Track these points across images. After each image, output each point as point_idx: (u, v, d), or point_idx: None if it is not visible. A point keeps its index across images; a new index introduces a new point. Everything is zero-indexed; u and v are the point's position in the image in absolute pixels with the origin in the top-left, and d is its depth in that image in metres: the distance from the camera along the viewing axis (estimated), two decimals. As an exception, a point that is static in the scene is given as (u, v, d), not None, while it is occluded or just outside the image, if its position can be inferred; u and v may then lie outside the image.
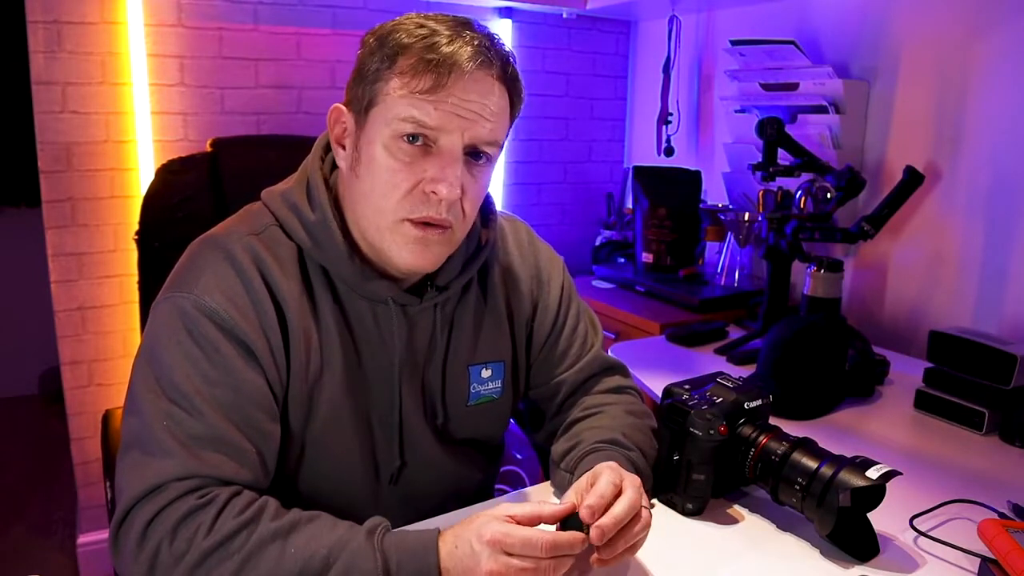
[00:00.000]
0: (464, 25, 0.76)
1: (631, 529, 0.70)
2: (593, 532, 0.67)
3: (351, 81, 0.80)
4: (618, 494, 0.70)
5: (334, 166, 0.86)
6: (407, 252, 0.79)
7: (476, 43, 0.74)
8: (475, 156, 0.78)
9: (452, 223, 0.79)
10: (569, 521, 0.68)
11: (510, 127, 0.82)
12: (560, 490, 0.90)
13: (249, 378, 0.75)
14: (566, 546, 0.65)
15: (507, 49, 0.79)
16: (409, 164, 0.75)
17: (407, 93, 0.74)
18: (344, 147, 0.81)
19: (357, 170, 0.79)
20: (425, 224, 0.77)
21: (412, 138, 0.75)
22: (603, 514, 0.68)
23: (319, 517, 0.70)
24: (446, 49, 0.73)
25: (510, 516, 0.67)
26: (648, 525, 0.72)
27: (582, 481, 0.73)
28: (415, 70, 0.73)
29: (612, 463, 0.75)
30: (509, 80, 0.78)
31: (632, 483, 0.72)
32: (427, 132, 0.75)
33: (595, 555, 0.69)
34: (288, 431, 0.82)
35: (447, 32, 0.74)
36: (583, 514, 0.67)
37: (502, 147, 0.81)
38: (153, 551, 0.66)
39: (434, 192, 0.75)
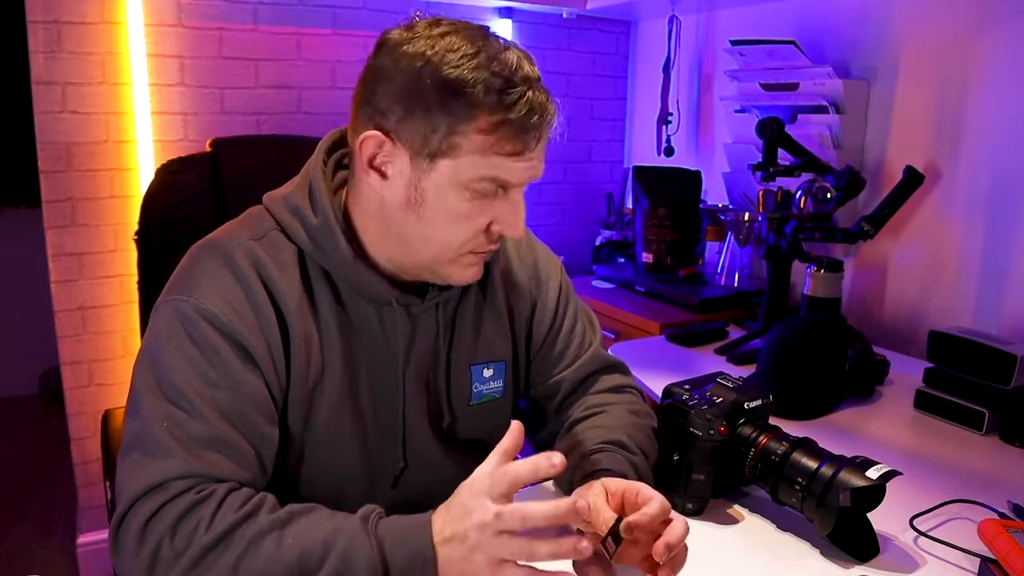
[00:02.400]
0: (524, 65, 0.75)
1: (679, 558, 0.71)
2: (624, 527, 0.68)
3: (395, 109, 0.74)
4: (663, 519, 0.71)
5: (336, 169, 0.86)
6: (468, 273, 0.83)
7: (553, 107, 0.76)
8: None
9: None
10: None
11: None
12: (560, 488, 0.90)
13: (248, 381, 0.76)
14: (542, 469, 0.66)
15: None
16: (481, 211, 0.78)
17: (492, 155, 0.74)
18: (383, 175, 0.78)
19: (420, 212, 0.78)
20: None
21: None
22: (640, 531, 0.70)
23: (316, 509, 0.71)
24: (533, 118, 0.74)
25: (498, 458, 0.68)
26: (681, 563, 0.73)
27: (612, 485, 0.76)
28: (500, 133, 0.73)
29: (649, 488, 0.75)
30: None
31: (679, 516, 0.73)
32: (502, 184, 0.77)
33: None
34: (288, 433, 0.82)
35: (520, 84, 0.73)
36: (623, 528, 0.68)
37: None
38: (154, 548, 0.66)
39: (503, 234, 0.80)
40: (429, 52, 0.74)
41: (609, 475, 0.81)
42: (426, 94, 0.73)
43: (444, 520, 0.67)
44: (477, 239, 0.79)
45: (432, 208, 0.77)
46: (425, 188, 0.77)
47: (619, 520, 0.69)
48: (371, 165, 0.79)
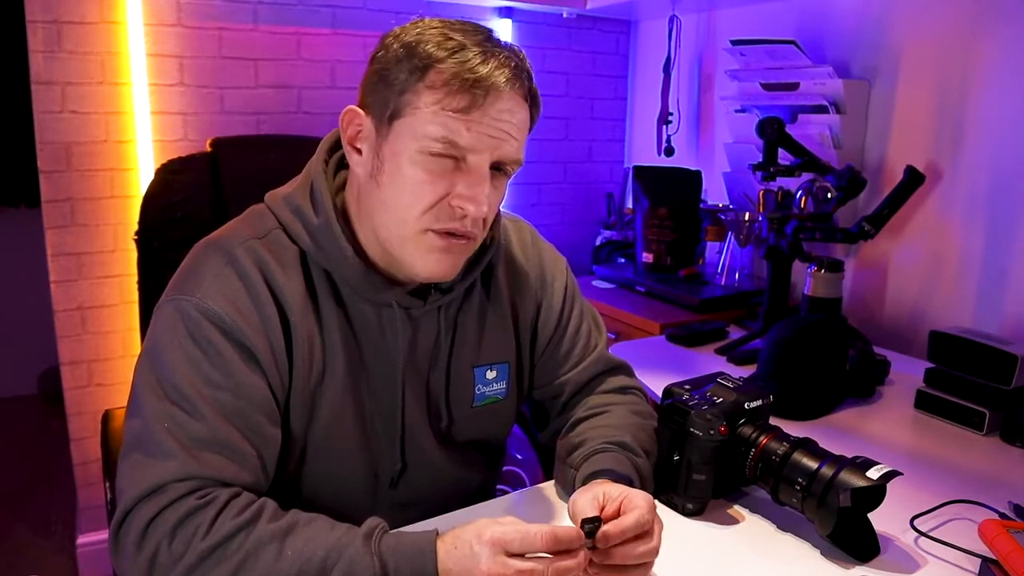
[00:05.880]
0: (489, 40, 0.76)
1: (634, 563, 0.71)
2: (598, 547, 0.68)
3: (371, 85, 0.78)
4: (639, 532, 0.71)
5: (337, 169, 0.86)
6: (430, 261, 0.79)
7: (512, 64, 0.75)
8: (498, 171, 0.79)
9: (476, 234, 0.80)
10: (585, 524, 0.69)
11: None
12: (564, 487, 0.90)
13: (251, 381, 0.76)
14: (565, 540, 0.65)
15: (529, 64, 0.79)
16: (437, 178, 0.75)
17: (439, 110, 0.73)
18: (360, 151, 0.80)
19: (379, 179, 0.78)
20: (449, 234, 0.78)
21: (442, 154, 0.75)
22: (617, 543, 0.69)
23: (317, 519, 0.70)
24: (482, 69, 0.73)
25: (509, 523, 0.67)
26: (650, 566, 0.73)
27: (612, 491, 0.75)
28: (449, 87, 0.73)
29: (649, 496, 0.75)
30: (531, 96, 0.80)
31: (659, 526, 0.73)
32: (459, 151, 0.75)
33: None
34: (290, 433, 0.82)
35: (477, 48, 0.74)
36: (598, 538, 0.68)
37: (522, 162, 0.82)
38: (152, 552, 0.66)
39: (461, 208, 0.76)
40: (407, 30, 0.77)
41: (612, 475, 0.81)
42: (391, 60, 0.76)
43: (452, 557, 0.66)
44: (435, 212, 0.76)
45: (390, 174, 0.77)
46: (385, 154, 0.77)
47: (594, 519, 0.69)
48: (351, 144, 0.81)
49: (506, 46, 0.77)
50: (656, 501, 0.90)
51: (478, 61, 0.73)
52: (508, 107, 0.75)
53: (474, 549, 0.65)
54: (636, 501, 0.73)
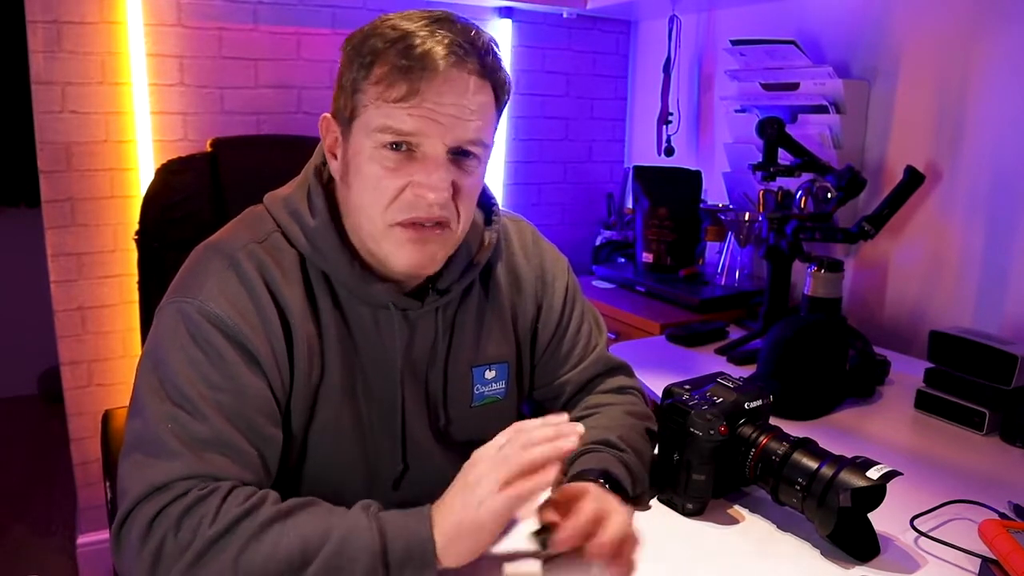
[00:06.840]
0: (439, 22, 0.75)
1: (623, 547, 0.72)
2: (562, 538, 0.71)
3: (335, 91, 0.80)
4: (595, 521, 0.72)
5: None
6: (404, 254, 0.79)
7: (447, 40, 0.73)
8: (463, 155, 0.78)
9: (448, 219, 0.78)
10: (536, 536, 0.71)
11: (498, 119, 0.81)
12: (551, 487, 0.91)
13: (252, 383, 0.76)
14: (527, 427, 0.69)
15: (486, 39, 0.77)
16: (394, 170, 0.76)
17: (382, 103, 0.73)
18: (336, 156, 0.81)
19: (348, 180, 0.79)
20: (417, 225, 0.77)
21: (395, 146, 0.75)
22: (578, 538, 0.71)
23: (317, 502, 0.72)
24: (418, 51, 0.72)
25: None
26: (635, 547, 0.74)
27: (569, 490, 0.76)
28: (389, 78, 0.73)
29: (595, 487, 0.76)
30: (489, 72, 0.77)
31: (618, 511, 0.74)
32: (407, 139, 0.74)
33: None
34: (290, 435, 0.82)
35: (421, 32, 0.73)
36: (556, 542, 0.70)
37: (491, 143, 0.80)
38: (158, 544, 0.66)
39: (421, 197, 0.75)
40: (362, 29, 0.77)
41: (591, 473, 0.82)
42: (344, 63, 0.77)
43: (442, 510, 0.69)
44: (398, 205, 0.76)
45: (354, 174, 0.78)
46: (349, 156, 0.78)
47: (542, 528, 0.71)
48: (330, 151, 0.82)
49: (462, 23, 0.75)
50: (655, 500, 0.91)
51: (416, 44, 0.72)
52: (451, 88, 0.73)
53: (467, 477, 0.69)
54: (582, 492, 0.75)
